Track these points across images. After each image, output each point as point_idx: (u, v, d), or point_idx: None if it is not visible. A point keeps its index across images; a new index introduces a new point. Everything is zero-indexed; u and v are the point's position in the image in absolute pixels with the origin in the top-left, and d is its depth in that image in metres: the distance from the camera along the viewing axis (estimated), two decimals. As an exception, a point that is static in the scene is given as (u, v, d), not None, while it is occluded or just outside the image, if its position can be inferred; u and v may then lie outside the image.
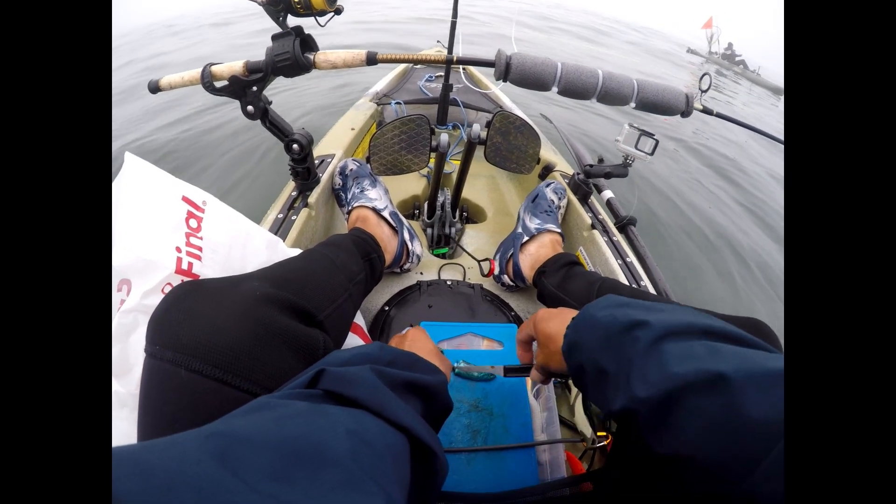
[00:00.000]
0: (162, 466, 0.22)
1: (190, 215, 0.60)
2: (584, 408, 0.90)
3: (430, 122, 1.02)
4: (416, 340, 0.68)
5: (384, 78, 2.09)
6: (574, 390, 0.97)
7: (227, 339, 0.47)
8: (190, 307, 0.48)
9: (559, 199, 1.21)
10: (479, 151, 1.06)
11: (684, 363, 0.39)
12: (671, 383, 0.39)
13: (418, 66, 2.23)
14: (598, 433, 0.82)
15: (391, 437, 0.36)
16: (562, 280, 0.95)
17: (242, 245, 0.66)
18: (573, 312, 0.60)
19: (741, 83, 12.17)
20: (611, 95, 0.88)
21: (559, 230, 1.13)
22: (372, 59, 0.81)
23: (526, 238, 1.11)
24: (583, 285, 0.89)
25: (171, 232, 0.57)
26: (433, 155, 1.06)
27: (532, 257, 1.08)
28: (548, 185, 1.22)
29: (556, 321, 0.61)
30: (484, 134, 1.01)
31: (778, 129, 0.95)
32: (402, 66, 2.20)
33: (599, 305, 0.55)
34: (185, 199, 0.61)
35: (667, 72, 7.92)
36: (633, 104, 0.91)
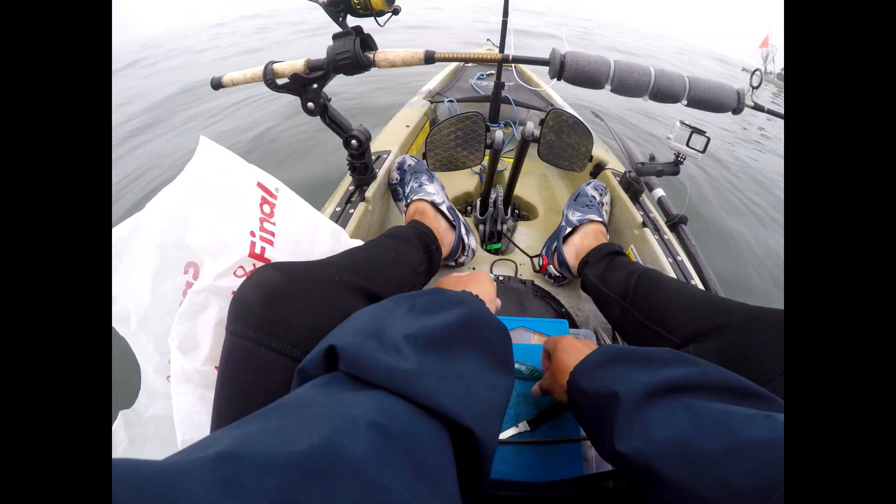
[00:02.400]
0: (165, 496, 0.22)
1: (264, 201, 0.63)
2: None
3: (485, 119, 1.04)
4: (473, 280, 0.69)
5: (437, 76, 2.13)
6: None
7: (307, 321, 0.49)
8: (272, 289, 0.50)
9: (600, 195, 1.21)
10: (531, 149, 1.07)
11: (664, 429, 0.42)
12: (650, 448, 0.42)
13: (470, 65, 2.25)
14: None
15: (419, 425, 0.33)
16: (603, 270, 0.95)
17: (311, 233, 0.68)
18: (590, 349, 0.62)
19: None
20: (663, 93, 0.88)
21: (601, 219, 1.13)
22: (430, 58, 0.84)
23: (569, 230, 1.12)
24: (622, 276, 0.88)
25: (246, 216, 0.60)
26: (487, 152, 1.08)
27: (576, 247, 1.09)
28: (588, 184, 1.23)
29: (572, 356, 0.63)
30: (538, 132, 1.02)
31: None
32: (454, 65, 2.23)
33: (588, 366, 0.57)
34: (260, 185, 0.64)
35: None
36: (684, 101, 0.90)
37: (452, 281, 0.70)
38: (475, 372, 0.43)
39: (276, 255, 0.61)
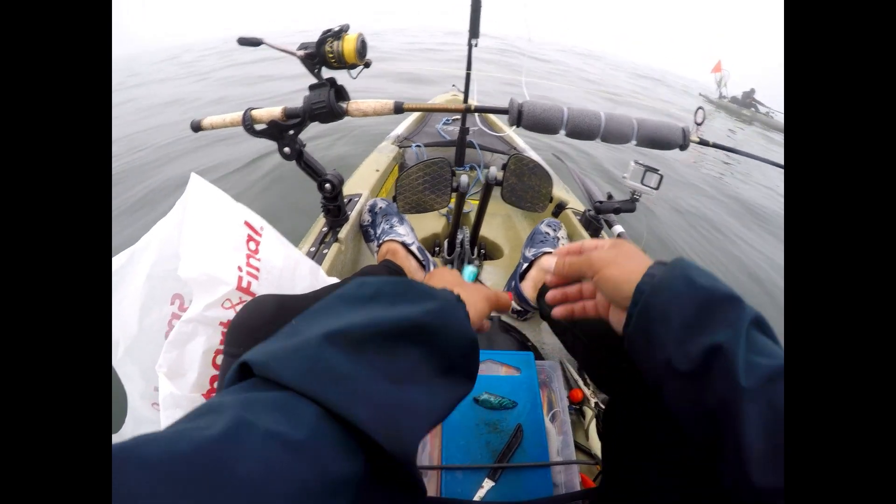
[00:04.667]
0: None
1: (249, 238, 0.67)
2: (598, 432, 0.94)
3: (451, 164, 1.10)
4: (468, 287, 0.59)
5: (404, 122, 2.20)
6: (588, 415, 1.01)
7: None
8: (271, 315, 0.54)
9: (554, 230, 1.26)
10: (495, 191, 1.12)
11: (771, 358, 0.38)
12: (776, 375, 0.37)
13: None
14: None
15: (326, 434, 0.29)
16: None
17: (292, 269, 0.73)
18: (645, 260, 0.53)
19: (753, 125, 12.28)
20: (613, 135, 0.94)
21: (553, 251, 1.16)
22: (399, 109, 0.90)
23: (525, 265, 1.17)
24: None
25: (233, 251, 0.64)
26: (454, 195, 1.14)
27: (533, 280, 1.14)
28: (542, 223, 1.29)
29: (630, 267, 0.52)
30: (500, 175, 1.08)
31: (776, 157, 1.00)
32: (419, 112, 2.31)
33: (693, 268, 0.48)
34: (247, 224, 0.68)
35: (676, 114, 8.04)
36: (634, 141, 0.96)
37: (447, 277, 0.61)
38: (416, 376, 0.38)
39: (261, 288, 0.65)
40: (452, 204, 1.23)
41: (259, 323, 0.53)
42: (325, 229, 1.16)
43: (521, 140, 2.08)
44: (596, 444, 0.94)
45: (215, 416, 0.27)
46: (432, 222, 1.63)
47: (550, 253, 1.17)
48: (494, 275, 1.44)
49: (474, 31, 1.62)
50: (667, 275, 0.47)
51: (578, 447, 0.94)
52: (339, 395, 0.31)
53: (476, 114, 2.17)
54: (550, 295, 0.65)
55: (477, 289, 0.59)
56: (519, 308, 1.21)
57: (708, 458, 0.43)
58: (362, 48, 0.88)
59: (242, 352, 0.50)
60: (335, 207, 1.11)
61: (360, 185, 1.44)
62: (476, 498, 0.79)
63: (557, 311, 0.64)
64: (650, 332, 0.46)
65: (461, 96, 1.73)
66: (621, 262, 0.53)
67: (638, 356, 0.50)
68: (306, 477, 0.26)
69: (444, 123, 2.23)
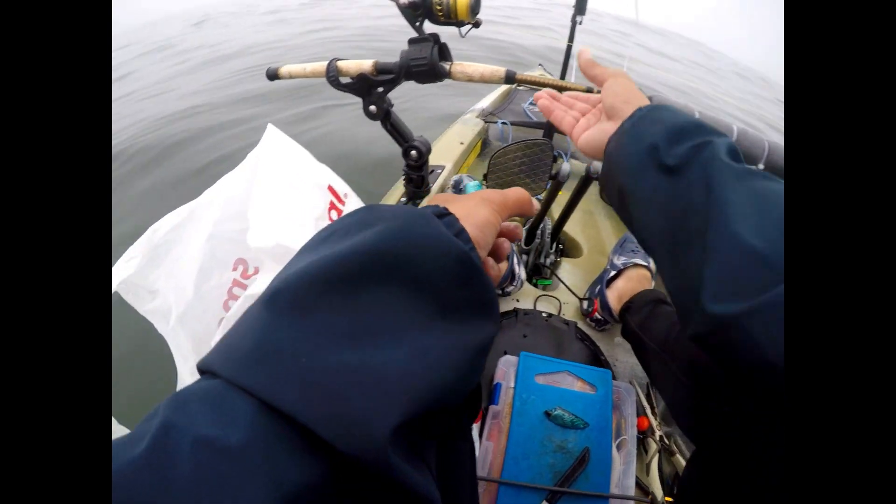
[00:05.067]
0: None
1: (332, 206, 0.59)
2: (659, 468, 0.88)
3: (553, 148, 1.00)
4: (466, 199, 0.43)
5: (488, 96, 2.10)
6: (652, 449, 0.92)
7: None
8: None
9: None
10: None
11: None
12: None
13: (521, 88, 2.23)
14: (667, 498, 0.80)
15: (269, 435, 0.22)
16: (645, 318, 0.91)
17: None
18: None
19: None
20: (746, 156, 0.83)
21: (646, 264, 1.09)
22: (510, 78, 0.79)
23: (613, 273, 1.08)
24: (664, 327, 0.84)
25: (314, 222, 0.56)
26: (550, 183, 1.05)
27: (619, 291, 1.06)
28: None
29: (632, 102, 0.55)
30: None
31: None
32: (505, 87, 2.20)
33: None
34: (331, 189, 0.60)
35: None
36: (761, 165, 0.84)
37: (438, 199, 0.43)
38: (388, 329, 0.27)
39: None
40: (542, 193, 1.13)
41: None
42: (403, 199, 1.08)
43: None
44: (654, 481, 0.86)
45: (147, 426, 0.21)
46: None
47: (642, 267, 1.07)
48: (572, 274, 1.34)
49: (580, 8, 1.50)
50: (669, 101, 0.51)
51: (637, 482, 0.86)
52: (269, 379, 0.23)
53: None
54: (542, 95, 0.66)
55: (475, 195, 0.43)
56: (600, 317, 1.12)
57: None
58: (476, 4, 0.78)
59: None
60: (419, 177, 1.03)
61: (444, 156, 1.35)
62: None
63: (541, 100, 0.65)
64: (642, 133, 0.49)
65: (548, 76, 1.62)
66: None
67: (619, 162, 0.51)
68: (247, 492, 0.20)
69: (531, 103, 2.10)
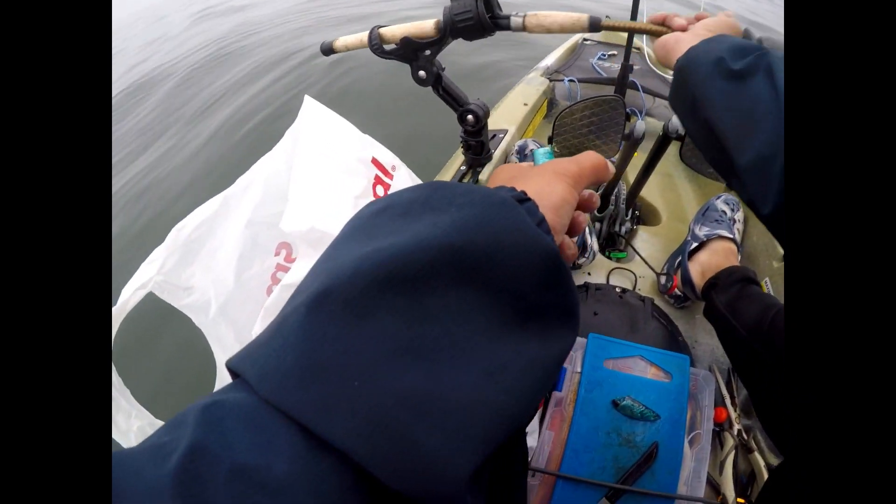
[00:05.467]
0: None
1: (377, 181, 0.54)
2: (734, 468, 0.82)
3: (625, 104, 0.90)
4: (496, 174, 0.40)
5: (553, 53, 1.97)
6: (728, 444, 0.84)
7: None
8: None
9: (732, 210, 1.09)
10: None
11: None
12: None
13: (588, 43, 2.09)
14: (738, 499, 0.75)
15: (311, 467, 0.19)
16: (734, 298, 0.83)
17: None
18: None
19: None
20: None
21: (732, 236, 1.00)
22: (595, 25, 0.69)
23: (695, 244, 0.99)
24: (756, 310, 0.76)
25: (354, 201, 0.51)
26: (623, 144, 0.95)
27: (702, 266, 0.97)
28: (718, 198, 1.11)
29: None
30: (684, 129, 0.87)
31: None
32: (572, 41, 2.07)
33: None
34: (375, 162, 0.54)
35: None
36: None
37: (505, 172, 0.39)
38: (461, 340, 0.22)
39: None
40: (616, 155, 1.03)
41: None
42: (463, 168, 1.01)
43: None
44: (727, 480, 0.79)
45: (175, 437, 0.18)
46: None
47: (727, 239, 0.97)
48: (649, 244, 1.24)
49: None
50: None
51: (708, 480, 0.79)
52: (315, 407, 0.19)
53: (645, 49, 1.92)
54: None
55: (546, 167, 0.37)
56: (680, 293, 1.03)
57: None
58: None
59: None
60: (477, 143, 0.95)
61: (506, 119, 1.26)
62: None
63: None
64: (710, 49, 0.54)
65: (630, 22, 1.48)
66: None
67: (690, 74, 0.55)
68: None
69: (600, 59, 1.96)
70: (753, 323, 0.74)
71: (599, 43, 2.08)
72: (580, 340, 0.84)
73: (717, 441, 0.87)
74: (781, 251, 1.00)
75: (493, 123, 1.21)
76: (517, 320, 0.24)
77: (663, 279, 1.05)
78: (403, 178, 0.57)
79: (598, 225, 1.22)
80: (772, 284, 1.00)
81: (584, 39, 2.09)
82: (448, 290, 0.22)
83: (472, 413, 0.20)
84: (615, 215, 1.20)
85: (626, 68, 1.52)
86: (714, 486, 0.80)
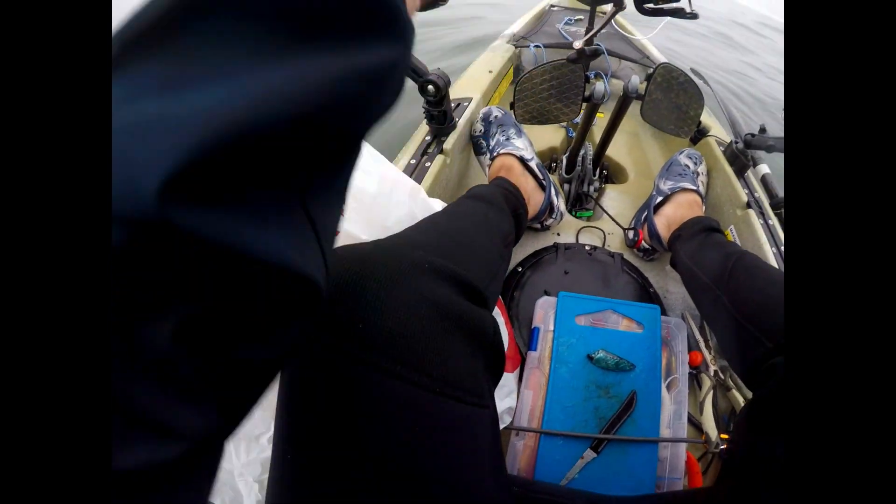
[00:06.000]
0: None
1: None
2: (713, 407, 0.85)
3: (585, 67, 0.91)
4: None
5: (520, 19, 1.96)
6: (706, 385, 0.88)
7: (396, 322, 0.37)
8: (350, 282, 0.38)
9: (695, 164, 1.10)
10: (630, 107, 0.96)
11: None
12: None
13: (555, 9, 2.08)
14: (722, 436, 0.77)
15: None
16: (697, 248, 0.86)
17: (388, 194, 0.58)
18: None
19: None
20: None
21: (695, 188, 1.02)
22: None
23: (660, 199, 1.02)
24: (717, 258, 0.78)
25: None
26: (584, 105, 0.96)
27: (667, 218, 0.99)
28: (681, 153, 1.12)
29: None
30: (643, 88, 0.90)
31: None
32: (539, 7, 2.07)
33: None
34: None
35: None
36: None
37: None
38: (220, 65, 0.20)
39: (349, 224, 0.51)
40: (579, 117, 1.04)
41: (337, 296, 0.37)
42: (428, 138, 1.01)
43: (656, 51, 1.80)
44: (709, 420, 0.82)
45: None
46: (550, 135, 1.45)
47: (691, 191, 1.00)
48: (618, 201, 1.27)
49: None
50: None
51: (690, 420, 0.83)
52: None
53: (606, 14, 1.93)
54: None
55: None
56: (648, 246, 1.06)
57: None
58: None
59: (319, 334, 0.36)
60: (440, 113, 0.96)
61: (471, 87, 1.26)
62: (575, 469, 0.73)
63: None
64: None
65: None
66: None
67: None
68: None
69: (566, 23, 1.95)
70: (716, 270, 0.76)
71: (566, 9, 2.08)
72: (551, 300, 0.87)
73: (696, 383, 0.90)
74: (744, 199, 1.03)
75: (458, 92, 1.22)
76: (295, 40, 0.21)
77: (631, 234, 1.07)
78: (363, 151, 0.58)
79: (566, 186, 1.24)
80: (737, 232, 1.03)
81: (552, 6, 2.08)
82: (203, 23, 0.19)
83: (192, 125, 0.17)
84: (583, 175, 1.21)
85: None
86: (696, 426, 0.83)
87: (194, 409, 0.20)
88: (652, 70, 0.92)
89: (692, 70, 1.72)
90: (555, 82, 0.90)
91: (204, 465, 0.23)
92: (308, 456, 0.35)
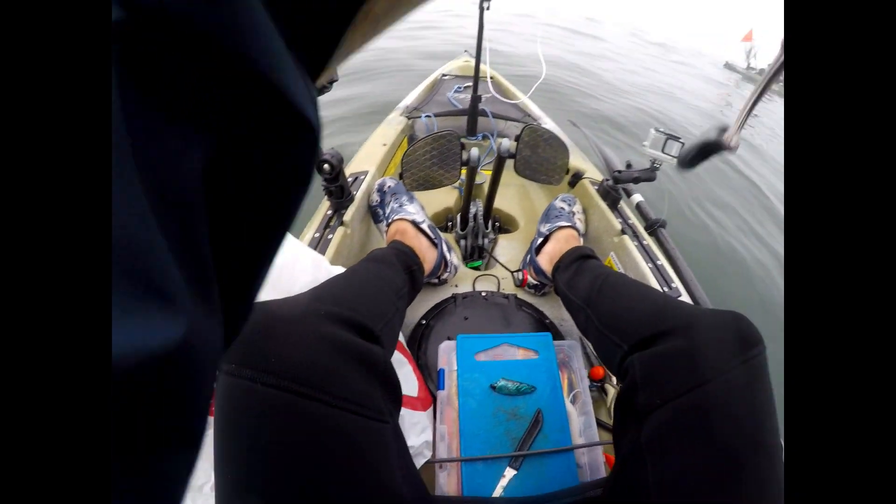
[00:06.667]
0: None
1: None
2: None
3: (461, 135, 1.04)
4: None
5: (413, 91, 2.11)
6: (611, 393, 0.99)
7: (300, 356, 0.48)
8: (262, 327, 0.49)
9: (569, 205, 1.24)
10: (509, 163, 1.08)
11: None
12: None
13: (446, 78, 2.26)
14: None
15: None
16: (572, 275, 0.97)
17: (291, 265, 0.68)
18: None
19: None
20: None
21: (570, 224, 1.15)
22: None
23: (541, 240, 1.14)
24: (587, 281, 0.89)
25: None
26: (464, 169, 1.08)
27: (549, 254, 1.11)
28: (557, 199, 1.26)
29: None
30: (513, 147, 1.04)
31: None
32: (431, 79, 2.23)
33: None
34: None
35: (697, 87, 7.48)
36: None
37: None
38: None
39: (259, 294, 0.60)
40: (464, 177, 1.18)
41: (252, 337, 0.48)
42: (329, 212, 1.11)
43: (536, 107, 1.99)
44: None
45: None
46: (445, 196, 1.57)
47: (567, 227, 1.13)
48: (510, 248, 1.40)
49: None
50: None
51: (601, 425, 0.92)
52: None
53: (489, 80, 2.12)
54: None
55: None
56: (536, 282, 1.18)
57: None
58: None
59: (240, 369, 0.46)
60: (338, 188, 1.06)
61: (367, 161, 1.37)
62: (499, 488, 0.78)
63: None
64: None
65: (472, 63, 1.65)
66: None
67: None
68: None
69: (456, 91, 2.13)
70: (585, 293, 0.87)
71: (456, 77, 2.26)
72: (451, 343, 0.96)
73: (603, 393, 1.01)
74: (619, 227, 1.18)
75: (354, 167, 1.33)
76: None
77: (518, 275, 1.20)
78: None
79: (462, 242, 1.36)
80: (616, 256, 1.17)
81: (443, 75, 2.26)
82: None
83: None
84: (476, 230, 1.34)
85: (476, 99, 1.70)
86: (608, 430, 0.92)
87: (200, 271, 0.16)
88: (520, 131, 1.04)
89: (569, 121, 1.92)
90: (435, 152, 1.02)
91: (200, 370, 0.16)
92: (237, 472, 0.45)
